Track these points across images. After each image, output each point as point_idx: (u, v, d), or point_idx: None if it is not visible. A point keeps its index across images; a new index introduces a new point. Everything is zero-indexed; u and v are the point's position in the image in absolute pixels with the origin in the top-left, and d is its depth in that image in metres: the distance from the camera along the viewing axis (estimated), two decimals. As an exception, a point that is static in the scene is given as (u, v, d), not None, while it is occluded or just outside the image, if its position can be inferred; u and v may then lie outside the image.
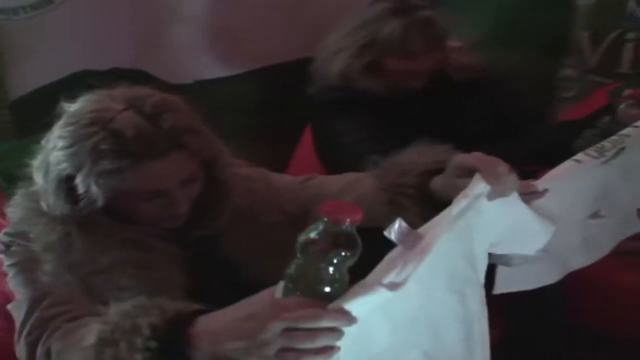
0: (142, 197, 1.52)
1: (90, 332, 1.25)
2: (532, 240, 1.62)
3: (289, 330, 1.08)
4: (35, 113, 1.75)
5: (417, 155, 1.62)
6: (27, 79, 2.34)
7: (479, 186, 1.37)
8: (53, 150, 1.53)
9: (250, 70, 3.28)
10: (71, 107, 1.57)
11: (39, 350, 1.42)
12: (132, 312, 1.22)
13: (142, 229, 1.57)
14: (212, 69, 3.15)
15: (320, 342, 1.09)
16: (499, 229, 1.51)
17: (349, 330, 1.14)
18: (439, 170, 1.50)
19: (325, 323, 1.09)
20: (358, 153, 2.28)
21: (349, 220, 1.13)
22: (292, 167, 3.00)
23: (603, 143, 1.74)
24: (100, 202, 1.50)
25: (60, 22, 2.77)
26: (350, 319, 1.10)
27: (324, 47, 2.68)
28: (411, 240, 1.23)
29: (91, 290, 1.49)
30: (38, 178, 1.59)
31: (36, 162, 1.61)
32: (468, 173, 1.36)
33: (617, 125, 2.09)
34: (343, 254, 1.13)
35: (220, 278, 1.52)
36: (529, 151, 2.48)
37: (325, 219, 1.14)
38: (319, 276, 1.12)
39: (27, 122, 2.12)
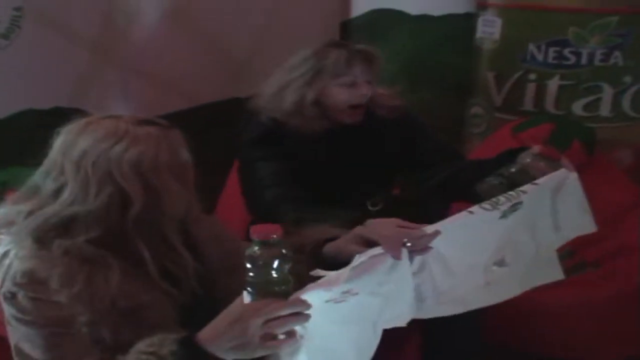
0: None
1: None
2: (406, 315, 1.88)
3: (266, 322, 1.45)
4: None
5: (311, 232, 1.94)
6: None
7: (376, 249, 1.72)
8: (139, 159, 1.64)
9: (181, 109, 3.47)
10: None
11: None
12: (151, 350, 1.53)
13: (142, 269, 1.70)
14: (146, 109, 3.26)
15: (290, 326, 1.48)
16: (397, 306, 1.83)
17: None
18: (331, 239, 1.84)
19: (288, 311, 1.47)
20: (274, 199, 2.51)
21: (274, 235, 1.51)
22: (220, 204, 3.19)
23: (498, 197, 1.93)
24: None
25: (4, 63, 2.92)
26: (305, 305, 1.49)
27: (267, 85, 2.75)
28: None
29: (119, 333, 1.64)
30: (74, 205, 1.65)
31: (69, 176, 1.66)
32: (366, 242, 1.75)
33: (524, 176, 2.24)
34: (278, 260, 1.50)
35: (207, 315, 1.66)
36: (438, 185, 2.66)
37: (257, 239, 1.50)
38: (269, 280, 1.50)
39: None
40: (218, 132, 3.15)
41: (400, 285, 1.81)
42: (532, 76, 3.58)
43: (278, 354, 1.53)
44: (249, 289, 1.51)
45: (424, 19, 3.87)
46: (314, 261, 1.79)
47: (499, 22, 3.62)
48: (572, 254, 2.95)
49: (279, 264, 1.51)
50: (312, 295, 1.55)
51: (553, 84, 3.54)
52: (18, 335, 1.65)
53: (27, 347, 1.64)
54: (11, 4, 2.92)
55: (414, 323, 2.08)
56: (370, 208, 2.69)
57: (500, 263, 2.05)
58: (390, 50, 3.78)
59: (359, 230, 1.82)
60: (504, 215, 1.94)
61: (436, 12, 3.83)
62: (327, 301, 1.61)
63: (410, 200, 2.77)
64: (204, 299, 1.80)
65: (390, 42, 3.86)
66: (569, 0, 3.47)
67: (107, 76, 3.29)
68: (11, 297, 1.63)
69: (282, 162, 2.62)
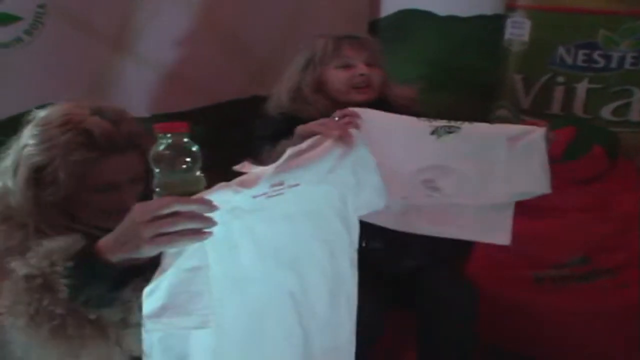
0: (99, 189, 1.84)
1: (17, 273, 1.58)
2: (378, 200, 1.94)
3: (154, 219, 1.41)
4: (1, 141, 2.04)
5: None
6: None
7: (307, 141, 1.75)
8: (25, 148, 1.84)
9: (201, 107, 3.53)
10: (41, 113, 1.90)
11: None
12: (49, 246, 1.59)
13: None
14: (165, 105, 3.38)
15: (182, 225, 1.42)
16: (365, 192, 1.87)
17: (216, 235, 1.48)
18: None
19: (179, 207, 1.41)
20: None
21: (178, 132, 1.49)
22: None
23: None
24: (62, 191, 1.81)
25: (26, 59, 3.00)
26: (206, 202, 1.45)
27: (276, 84, 2.96)
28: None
29: None
30: (6, 178, 1.88)
31: (4, 164, 1.91)
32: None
33: None
34: (185, 158, 1.48)
35: None
36: None
37: (161, 134, 1.48)
38: (176, 179, 1.47)
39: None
40: (238, 130, 3.14)
41: (359, 168, 1.84)
42: (561, 79, 3.55)
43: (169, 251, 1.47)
44: (156, 189, 1.48)
45: (451, 20, 3.86)
46: None
47: (528, 24, 3.60)
48: (586, 261, 2.96)
49: (189, 163, 1.48)
50: (221, 196, 1.51)
51: (582, 88, 3.50)
52: None
53: None
54: (35, 1, 2.98)
55: (409, 334, 2.16)
56: None
57: (430, 184, 2.14)
58: (418, 50, 3.87)
59: (299, 128, 1.90)
60: (437, 133, 2.06)
61: (464, 13, 3.82)
62: (254, 197, 1.59)
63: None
64: None
65: (418, 42, 3.88)
66: (599, 2, 3.43)
67: (127, 73, 3.33)
68: None
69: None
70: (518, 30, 3.65)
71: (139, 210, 1.45)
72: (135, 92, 3.36)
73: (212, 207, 1.46)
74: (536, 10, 3.60)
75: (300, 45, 3.03)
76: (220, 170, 3.40)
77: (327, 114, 2.57)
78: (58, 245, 1.60)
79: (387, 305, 2.62)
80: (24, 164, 1.86)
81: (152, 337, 1.53)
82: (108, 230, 1.76)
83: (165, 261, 1.47)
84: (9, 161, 1.91)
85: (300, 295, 1.78)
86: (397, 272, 2.72)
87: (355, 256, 1.88)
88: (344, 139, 1.78)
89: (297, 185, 1.69)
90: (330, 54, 2.84)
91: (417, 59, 3.84)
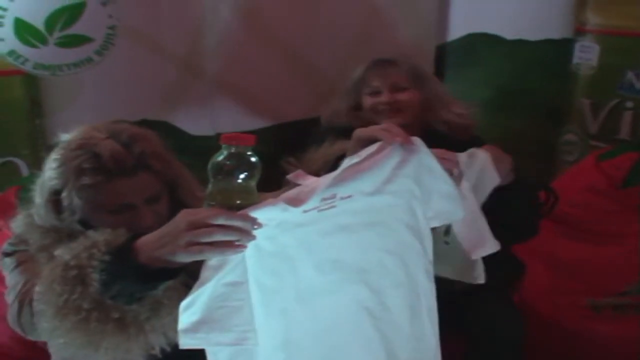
0: (112, 210, 1.90)
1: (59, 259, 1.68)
2: (455, 210, 1.87)
3: (194, 226, 1.44)
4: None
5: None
6: (64, 126, 2.69)
7: (372, 147, 1.71)
8: (47, 170, 1.95)
9: (266, 126, 3.63)
10: (65, 137, 2.01)
11: (25, 312, 1.79)
12: (88, 241, 1.66)
13: None
14: (230, 124, 3.45)
15: (218, 237, 1.43)
16: (433, 200, 1.80)
17: (266, 249, 1.50)
18: None
19: (223, 221, 1.43)
20: None
21: (246, 144, 1.50)
22: None
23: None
24: (78, 215, 1.90)
25: (96, 78, 3.15)
26: (249, 218, 1.46)
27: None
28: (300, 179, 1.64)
29: None
30: (36, 196, 2.00)
31: (37, 182, 2.02)
32: (369, 143, 1.75)
33: None
34: (244, 170, 1.49)
35: None
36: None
37: (225, 145, 1.50)
38: (230, 190, 1.49)
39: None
40: (301, 150, 3.13)
41: (424, 176, 1.78)
42: (629, 104, 3.55)
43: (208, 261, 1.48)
44: (208, 198, 1.50)
45: (519, 44, 3.84)
46: None
47: (596, 48, 3.61)
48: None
49: (247, 175, 1.49)
50: (267, 214, 1.50)
51: (650, 113, 3.49)
52: (12, 282, 1.94)
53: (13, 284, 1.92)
54: (106, 22, 3.11)
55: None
56: None
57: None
58: (485, 74, 3.89)
59: (357, 132, 1.83)
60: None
61: (532, 37, 3.79)
62: (305, 212, 1.57)
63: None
64: None
65: (486, 66, 3.89)
66: (668, 27, 3.42)
67: (194, 92, 3.45)
68: (6, 256, 2.01)
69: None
70: (586, 55, 3.66)
71: (183, 216, 1.48)
72: (202, 110, 3.48)
73: (255, 224, 1.48)
74: (605, 35, 3.60)
75: None
76: (277, 190, 3.45)
77: None
78: (103, 238, 1.66)
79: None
80: (45, 186, 1.98)
81: (217, 354, 1.55)
82: None
83: (204, 274, 1.48)
84: (39, 180, 2.04)
85: (379, 311, 1.76)
86: (453, 292, 2.72)
87: (430, 268, 1.83)
88: (406, 145, 1.74)
89: (349, 197, 1.67)
90: (359, 83, 3.02)
91: (484, 82, 3.86)
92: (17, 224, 2.08)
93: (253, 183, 1.52)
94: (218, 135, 3.34)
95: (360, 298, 1.73)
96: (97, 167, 1.89)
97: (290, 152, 3.24)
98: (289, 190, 1.60)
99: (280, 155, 3.49)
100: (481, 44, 3.94)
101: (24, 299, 1.80)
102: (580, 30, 3.70)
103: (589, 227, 3.07)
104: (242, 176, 1.51)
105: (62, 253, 1.69)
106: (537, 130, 3.85)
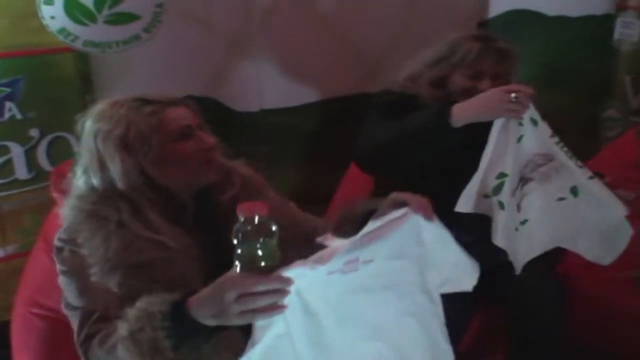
0: (177, 136, 2.00)
1: (119, 331, 1.78)
2: (466, 279, 2.02)
3: (241, 297, 1.61)
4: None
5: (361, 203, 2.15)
6: None
7: (398, 211, 1.84)
8: (97, 136, 2.00)
9: (310, 102, 3.71)
10: (87, 114, 2.07)
11: (91, 353, 1.90)
12: (145, 307, 1.76)
13: (168, 233, 1.99)
14: (275, 100, 3.58)
15: (262, 302, 1.62)
16: (444, 269, 1.94)
17: (294, 304, 1.65)
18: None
19: (263, 287, 1.61)
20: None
21: (260, 213, 1.64)
22: (336, 197, 3.33)
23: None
24: (153, 146, 1.97)
25: (145, 55, 3.23)
26: (284, 280, 1.63)
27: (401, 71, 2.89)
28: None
29: (128, 285, 1.91)
30: (89, 177, 2.03)
31: (81, 166, 2.06)
32: (399, 206, 1.89)
33: None
34: (263, 236, 1.64)
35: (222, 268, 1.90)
36: None
37: (243, 216, 1.65)
38: (254, 255, 1.64)
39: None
40: (345, 125, 3.28)
41: (438, 246, 1.92)
42: (672, 79, 3.54)
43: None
44: (237, 263, 1.66)
45: (561, 20, 3.89)
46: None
47: (638, 24, 3.66)
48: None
49: (264, 240, 1.64)
50: (297, 272, 1.65)
51: (691, 88, 3.50)
52: (63, 287, 2.02)
53: (69, 297, 2.00)
54: (154, 1, 3.21)
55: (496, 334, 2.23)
56: None
57: None
58: (526, 51, 3.77)
59: (393, 194, 1.96)
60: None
61: (574, 13, 3.85)
62: (330, 273, 1.71)
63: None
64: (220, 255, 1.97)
65: (527, 42, 3.84)
66: None
67: (241, 68, 3.54)
68: (57, 252, 2.03)
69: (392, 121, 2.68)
70: (628, 31, 3.71)
71: (228, 287, 1.64)
72: (249, 87, 3.57)
73: (290, 283, 1.64)
74: (647, 10, 3.60)
75: (436, 38, 2.95)
76: (325, 164, 3.49)
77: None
78: (156, 309, 1.76)
79: (476, 302, 2.66)
80: (108, 145, 2.00)
81: None
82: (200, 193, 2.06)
83: (255, 334, 1.65)
84: (86, 161, 2.06)
85: None
86: (493, 266, 2.72)
87: (445, 330, 1.96)
88: (427, 218, 1.88)
89: (371, 261, 1.78)
90: (468, 63, 2.76)
91: (525, 59, 3.72)
92: (65, 209, 2.09)
93: (274, 242, 1.67)
94: (261, 111, 3.48)
95: (383, 353, 1.86)
96: (147, 101, 2.02)
97: (334, 126, 3.32)
98: (319, 252, 1.75)
99: (324, 131, 3.60)
100: (522, 21, 3.97)
101: (94, 334, 1.91)
102: (621, 7, 3.75)
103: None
104: (260, 241, 1.65)
105: (121, 327, 1.79)
106: (578, 106, 3.90)
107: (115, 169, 1.99)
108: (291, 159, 3.71)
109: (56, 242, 2.04)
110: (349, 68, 3.76)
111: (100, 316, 1.91)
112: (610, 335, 3.03)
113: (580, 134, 3.72)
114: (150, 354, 1.73)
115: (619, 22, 3.76)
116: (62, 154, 3.18)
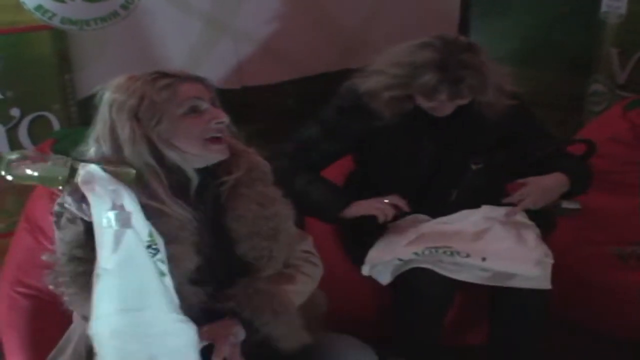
0: (189, 110, 2.02)
1: None
2: None
3: None
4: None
5: None
6: (93, 81, 2.48)
7: None
8: (112, 106, 2.02)
9: (291, 79, 3.73)
10: (115, 81, 2.09)
11: None
12: None
13: (169, 203, 2.00)
14: (256, 78, 3.60)
15: None
16: None
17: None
18: None
19: None
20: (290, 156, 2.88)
21: None
22: None
23: None
24: (164, 117, 1.99)
25: (123, 33, 3.24)
26: None
27: (371, 63, 2.82)
28: None
29: None
30: (100, 146, 2.05)
31: (96, 128, 2.07)
32: None
33: None
34: None
35: (221, 250, 2.01)
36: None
37: None
38: None
39: (91, 117, 2.17)
40: (326, 102, 3.18)
41: None
42: (659, 52, 3.53)
43: None
44: None
45: (546, -8, 3.86)
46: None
47: (625, -4, 3.60)
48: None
49: None
50: None
51: (680, 61, 3.48)
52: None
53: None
54: (132, -24, 3.20)
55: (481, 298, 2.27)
56: (472, 167, 2.83)
57: None
58: (511, 24, 3.93)
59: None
60: None
61: (560, -15, 3.81)
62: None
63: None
64: (219, 233, 2.09)
65: (511, 16, 3.93)
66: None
67: (219, 46, 3.55)
68: (56, 217, 2.05)
69: (335, 138, 2.89)
70: (615, 3, 3.68)
71: None
72: (229, 65, 3.58)
73: None
74: (635, -18, 3.58)
75: (402, 22, 3.11)
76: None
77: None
78: None
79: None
80: (121, 115, 2.03)
81: None
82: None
83: None
84: (98, 130, 2.07)
85: None
86: None
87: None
88: None
89: None
90: (425, 91, 2.67)
91: (511, 33, 3.90)
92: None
93: None
94: (243, 88, 3.49)
95: None
96: (166, 74, 2.04)
97: (316, 104, 3.32)
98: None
99: (306, 108, 3.60)
100: (507, -6, 3.94)
101: None
102: (609, -22, 3.68)
103: (614, 178, 3.09)
104: None
105: None
106: (564, 81, 3.90)
107: (124, 137, 2.01)
108: (273, 134, 3.64)
109: (56, 207, 2.06)
110: (328, 45, 3.79)
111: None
112: (593, 309, 3.08)
113: (565, 109, 3.83)
114: None
115: (606, -6, 3.71)
116: (43, 134, 3.19)
